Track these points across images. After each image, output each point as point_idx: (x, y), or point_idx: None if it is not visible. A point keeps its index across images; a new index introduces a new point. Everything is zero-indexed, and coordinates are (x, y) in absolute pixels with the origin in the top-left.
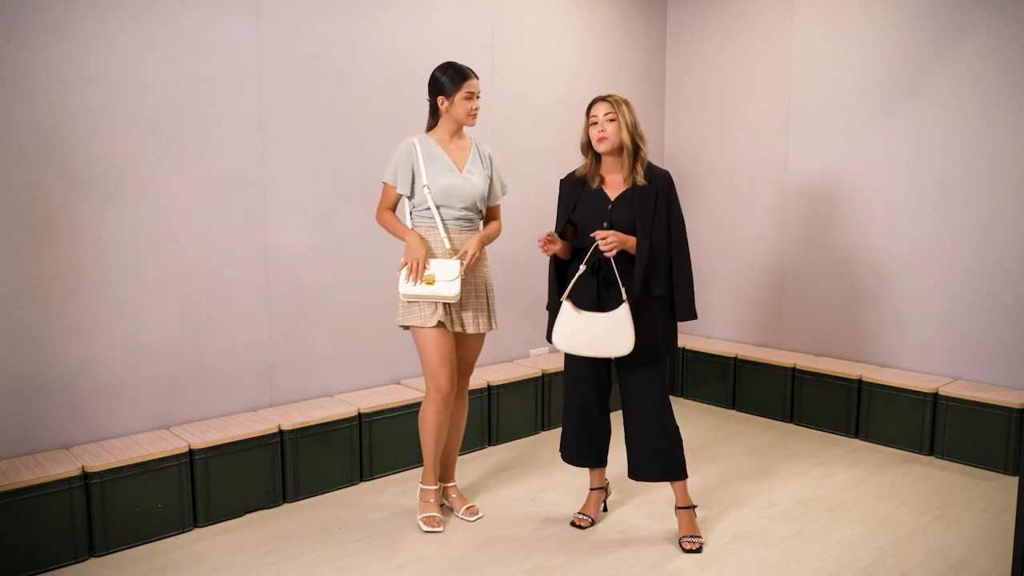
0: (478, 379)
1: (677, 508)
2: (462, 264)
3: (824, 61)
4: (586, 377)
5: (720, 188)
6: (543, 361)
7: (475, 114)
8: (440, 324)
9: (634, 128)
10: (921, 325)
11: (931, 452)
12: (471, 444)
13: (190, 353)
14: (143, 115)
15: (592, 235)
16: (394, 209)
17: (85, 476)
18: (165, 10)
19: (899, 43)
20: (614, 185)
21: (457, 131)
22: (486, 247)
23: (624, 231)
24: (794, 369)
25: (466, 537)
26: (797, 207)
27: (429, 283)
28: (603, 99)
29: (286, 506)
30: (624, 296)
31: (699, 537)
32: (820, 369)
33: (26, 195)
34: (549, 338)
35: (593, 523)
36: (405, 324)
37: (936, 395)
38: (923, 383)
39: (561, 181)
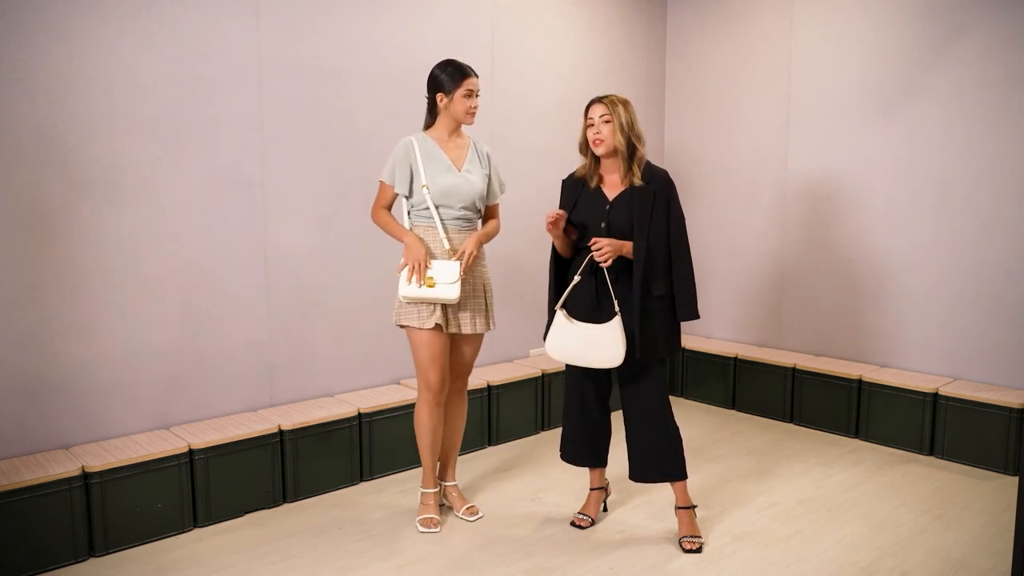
0: (478, 379)
1: (677, 508)
2: (461, 264)
3: (824, 61)
4: (586, 377)
5: (720, 188)
6: (543, 361)
7: (474, 112)
8: (436, 326)
9: (630, 129)
10: (921, 325)
11: (931, 452)
12: (471, 444)
13: (190, 353)
14: (143, 115)
15: (589, 244)
16: (390, 208)
17: (85, 476)
18: (165, 10)
19: (899, 43)
20: (612, 185)
21: (455, 130)
22: (484, 247)
23: (622, 231)
24: (794, 369)
25: (466, 537)
26: (797, 207)
27: (429, 285)
28: (600, 100)
29: (286, 506)
30: (616, 308)
31: (699, 537)
32: (820, 369)
33: (26, 195)
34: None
35: (593, 523)
36: (401, 324)
37: (936, 395)
38: (923, 383)
39: (563, 181)
